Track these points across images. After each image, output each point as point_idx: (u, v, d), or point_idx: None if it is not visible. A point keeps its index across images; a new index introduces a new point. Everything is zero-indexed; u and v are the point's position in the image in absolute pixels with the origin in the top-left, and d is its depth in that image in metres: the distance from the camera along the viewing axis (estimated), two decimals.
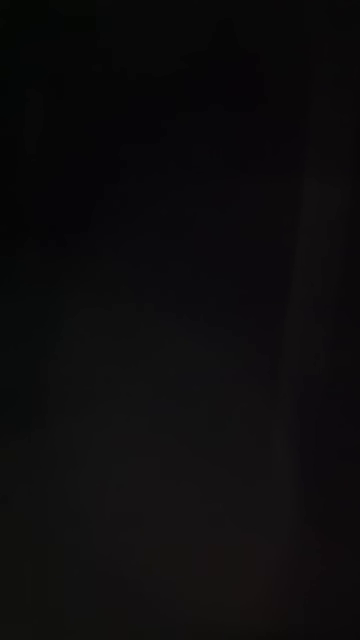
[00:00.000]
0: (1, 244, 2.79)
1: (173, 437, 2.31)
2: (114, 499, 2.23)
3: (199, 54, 2.31)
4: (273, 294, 2.22)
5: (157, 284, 2.46)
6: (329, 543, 2.08)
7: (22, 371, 2.68)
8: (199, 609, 1.92)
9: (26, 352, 2.75)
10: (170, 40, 2.33)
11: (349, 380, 2.12)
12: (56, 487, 2.31)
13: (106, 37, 2.44)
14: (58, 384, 2.59)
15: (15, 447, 2.42)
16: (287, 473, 2.14)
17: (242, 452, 2.25)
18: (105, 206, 2.62)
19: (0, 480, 2.33)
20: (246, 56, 2.25)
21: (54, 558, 2.07)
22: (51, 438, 2.46)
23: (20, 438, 2.45)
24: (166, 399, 2.38)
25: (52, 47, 2.55)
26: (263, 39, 2.21)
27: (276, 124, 2.22)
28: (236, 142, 2.28)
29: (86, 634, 1.84)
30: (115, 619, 1.89)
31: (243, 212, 2.24)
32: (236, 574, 2.01)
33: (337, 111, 2.05)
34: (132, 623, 1.88)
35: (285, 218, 2.14)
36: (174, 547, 2.08)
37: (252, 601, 1.94)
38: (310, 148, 2.07)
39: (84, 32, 2.45)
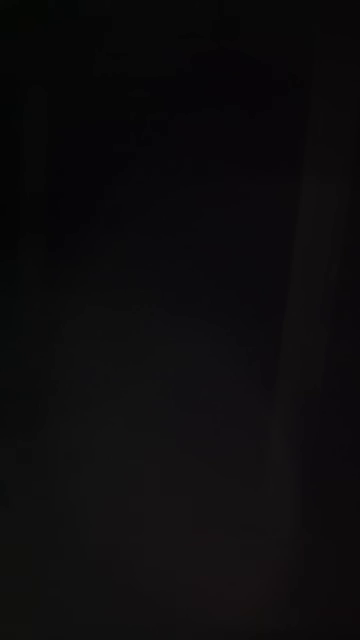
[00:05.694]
0: (2, 245, 2.80)
1: (172, 438, 2.32)
2: (113, 499, 2.24)
3: (199, 54, 2.31)
4: (272, 295, 2.21)
5: (155, 286, 2.46)
6: (328, 544, 2.09)
7: (22, 371, 2.70)
8: (199, 609, 1.92)
9: (26, 352, 2.76)
10: (169, 40, 2.32)
11: (348, 384, 2.12)
12: (56, 486, 2.32)
13: (106, 38, 2.44)
14: (58, 384, 2.60)
15: (15, 447, 2.44)
16: (286, 476, 2.15)
17: (241, 454, 2.26)
18: (105, 206, 2.62)
19: (0, 480, 2.34)
20: (246, 56, 2.24)
21: (54, 557, 2.08)
22: (51, 438, 2.47)
23: (21, 438, 2.46)
24: (165, 401, 2.38)
25: (52, 47, 2.55)
26: (263, 39, 2.20)
27: (275, 124, 2.21)
28: (235, 142, 2.27)
29: (86, 633, 1.85)
30: (115, 618, 1.90)
31: (242, 213, 2.24)
32: (236, 575, 2.01)
33: (336, 110, 2.05)
34: (132, 622, 1.89)
35: (284, 218, 2.13)
36: (174, 547, 2.09)
37: (252, 601, 1.95)
38: (309, 148, 2.07)
39: (84, 33, 2.45)
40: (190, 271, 2.40)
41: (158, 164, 2.44)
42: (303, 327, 2.14)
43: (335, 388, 2.12)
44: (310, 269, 2.12)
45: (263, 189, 2.18)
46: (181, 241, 2.41)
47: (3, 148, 2.74)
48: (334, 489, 2.12)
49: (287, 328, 2.15)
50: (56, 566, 2.06)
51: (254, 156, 2.24)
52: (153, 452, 2.33)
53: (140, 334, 2.47)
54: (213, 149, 2.33)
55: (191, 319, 2.36)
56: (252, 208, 2.21)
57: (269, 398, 2.17)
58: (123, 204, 2.54)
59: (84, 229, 2.62)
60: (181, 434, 2.32)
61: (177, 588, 1.98)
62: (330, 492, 2.13)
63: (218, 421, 2.32)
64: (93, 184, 2.61)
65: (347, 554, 2.07)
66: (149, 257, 2.49)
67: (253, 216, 2.22)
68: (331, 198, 2.04)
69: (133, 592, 1.97)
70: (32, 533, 2.16)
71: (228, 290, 2.33)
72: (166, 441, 2.33)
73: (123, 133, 2.52)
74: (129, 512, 2.21)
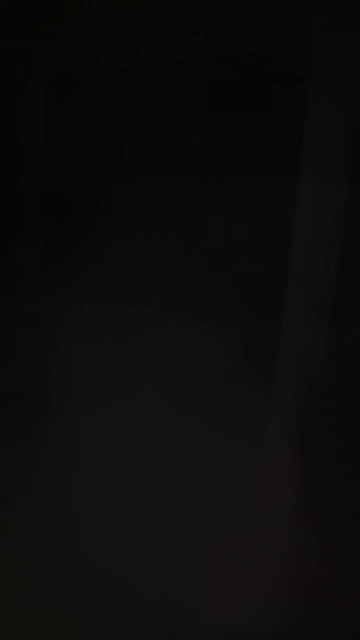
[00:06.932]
0: (2, 245, 2.80)
1: (171, 437, 2.32)
2: (113, 499, 2.24)
3: (198, 54, 2.32)
4: (271, 294, 2.22)
5: (154, 285, 2.47)
6: (327, 544, 2.09)
7: (22, 371, 2.70)
8: (199, 608, 1.92)
9: (26, 352, 2.76)
10: (169, 40, 2.33)
11: (346, 381, 2.12)
12: (56, 486, 2.32)
13: (106, 37, 2.45)
14: (58, 384, 2.60)
15: (15, 447, 2.44)
16: (284, 474, 2.15)
17: (240, 453, 2.26)
18: (105, 206, 2.63)
19: (0, 479, 2.34)
20: (245, 57, 2.25)
21: (54, 556, 2.08)
22: (51, 438, 2.47)
23: (20, 438, 2.46)
24: (164, 400, 2.38)
25: (52, 47, 2.56)
26: (262, 40, 2.21)
27: (273, 124, 2.22)
28: (234, 143, 2.28)
29: (86, 633, 1.85)
30: (114, 618, 1.89)
31: (240, 213, 2.25)
32: (235, 574, 2.01)
33: (334, 111, 2.05)
34: (132, 622, 1.88)
35: (282, 217, 2.14)
36: (173, 547, 2.09)
37: (251, 601, 1.95)
38: (306, 148, 2.07)
39: (83, 32, 2.47)
40: (189, 270, 2.41)
41: (157, 164, 2.44)
42: (301, 326, 2.15)
43: (333, 386, 2.13)
44: (309, 268, 2.12)
45: (261, 188, 2.19)
46: (180, 240, 2.42)
47: (3, 148, 2.75)
48: (333, 488, 2.12)
49: (286, 327, 2.15)
50: (56, 564, 2.06)
51: (253, 155, 2.25)
52: (152, 450, 2.33)
53: (139, 333, 2.48)
54: (212, 149, 2.34)
55: (190, 317, 2.37)
56: (250, 207, 2.22)
57: (267, 396, 2.17)
58: (122, 204, 2.55)
59: (83, 229, 2.63)
60: (179, 432, 2.32)
61: (177, 587, 1.98)
62: (329, 490, 2.13)
63: (217, 419, 2.32)
64: (93, 184, 2.62)
65: (346, 553, 2.07)
66: (148, 256, 2.50)
67: (251, 215, 2.23)
68: (329, 197, 2.05)
69: (134, 590, 1.97)
70: (31, 532, 2.17)
71: (227, 289, 2.34)
72: (164, 439, 2.33)
73: (122, 133, 2.53)
74: (128, 511, 2.21)
